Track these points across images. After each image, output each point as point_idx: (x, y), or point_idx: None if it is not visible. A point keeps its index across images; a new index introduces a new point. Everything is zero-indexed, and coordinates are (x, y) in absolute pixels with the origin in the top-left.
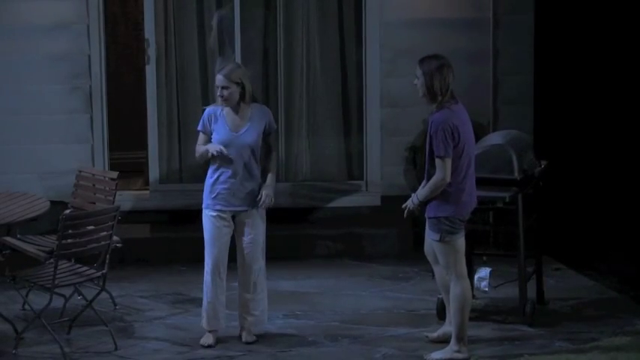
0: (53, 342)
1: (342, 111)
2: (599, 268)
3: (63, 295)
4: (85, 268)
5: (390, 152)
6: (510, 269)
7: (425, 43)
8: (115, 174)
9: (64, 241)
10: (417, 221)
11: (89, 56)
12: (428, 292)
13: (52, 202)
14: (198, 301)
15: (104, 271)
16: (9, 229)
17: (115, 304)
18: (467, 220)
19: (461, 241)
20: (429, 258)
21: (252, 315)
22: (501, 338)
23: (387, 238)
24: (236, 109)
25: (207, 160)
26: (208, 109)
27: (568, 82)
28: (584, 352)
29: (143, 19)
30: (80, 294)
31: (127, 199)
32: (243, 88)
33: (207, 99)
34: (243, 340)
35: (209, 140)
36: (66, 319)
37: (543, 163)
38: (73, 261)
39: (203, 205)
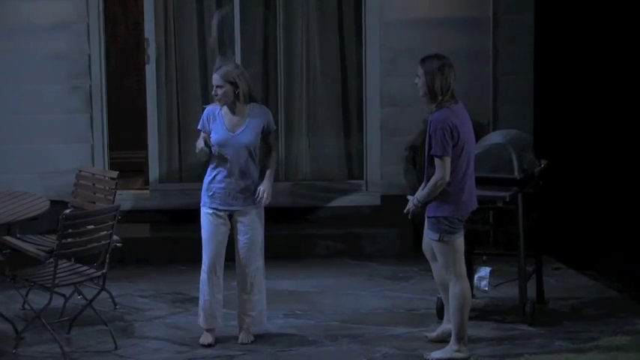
0: (53, 341)
1: (342, 111)
2: (599, 267)
3: (63, 295)
4: (85, 268)
5: (390, 152)
6: (510, 269)
7: (425, 42)
8: (115, 173)
9: (64, 241)
10: (416, 220)
11: (89, 56)
12: (428, 291)
13: (52, 202)
14: (197, 301)
15: (104, 271)
16: (9, 228)
17: (115, 304)
18: (466, 219)
19: (460, 241)
20: (427, 255)
21: (249, 316)
22: (501, 338)
23: (387, 238)
24: (233, 109)
25: (208, 159)
26: (208, 109)
27: (568, 82)
28: (584, 352)
29: (143, 18)
30: (80, 293)
31: (127, 198)
32: (237, 87)
33: (207, 98)
34: (239, 341)
35: (208, 139)
36: (66, 318)
37: (543, 162)
38: (73, 260)
39: (201, 203)
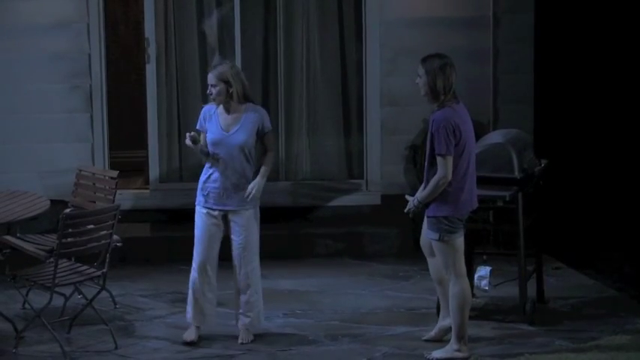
0: (53, 341)
1: (342, 110)
2: (599, 266)
3: (63, 294)
4: (85, 267)
5: (390, 151)
6: (510, 268)
7: (425, 42)
8: (115, 173)
9: (64, 240)
10: (416, 219)
11: (89, 55)
12: (428, 290)
13: (52, 201)
14: None
15: (104, 270)
16: (9, 228)
17: (115, 303)
18: (466, 219)
19: (460, 241)
20: (425, 250)
21: (247, 316)
22: (501, 337)
23: (387, 237)
24: (228, 109)
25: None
26: (205, 108)
27: (568, 81)
28: (585, 351)
29: (143, 18)
30: (80, 293)
31: (127, 198)
32: (231, 87)
33: (207, 98)
34: (240, 341)
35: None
36: (66, 318)
37: (543, 162)
38: (73, 260)
39: (196, 202)
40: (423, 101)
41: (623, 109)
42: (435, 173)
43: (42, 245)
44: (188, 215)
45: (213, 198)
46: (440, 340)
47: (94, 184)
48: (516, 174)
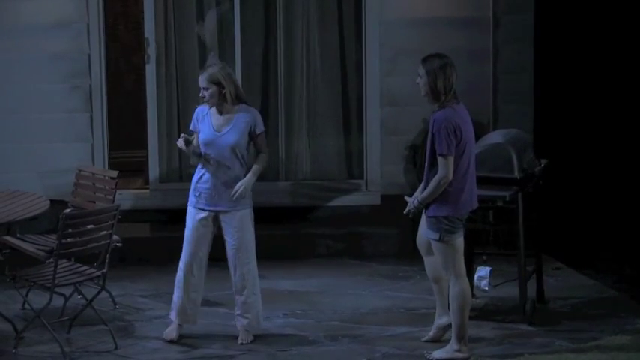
0: (53, 341)
1: (342, 110)
2: (599, 267)
3: (63, 295)
4: (85, 268)
5: (390, 151)
6: (510, 268)
7: (425, 42)
8: (115, 173)
9: (64, 241)
10: (416, 219)
11: (89, 55)
12: (427, 291)
13: (52, 202)
14: None
15: (104, 271)
16: (9, 228)
17: (115, 304)
18: (466, 219)
19: (460, 241)
20: (421, 249)
21: (244, 317)
22: (501, 337)
23: (387, 237)
24: (221, 110)
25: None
26: (198, 109)
27: (568, 81)
28: (585, 351)
29: (143, 18)
30: (80, 293)
31: (127, 198)
32: (224, 88)
33: None
34: (239, 341)
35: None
36: (66, 318)
37: (543, 162)
38: (73, 260)
39: (188, 203)
40: (423, 101)
41: (623, 109)
42: (435, 174)
43: (42, 245)
44: None
45: (205, 198)
46: (439, 339)
47: (93, 184)
48: (516, 174)
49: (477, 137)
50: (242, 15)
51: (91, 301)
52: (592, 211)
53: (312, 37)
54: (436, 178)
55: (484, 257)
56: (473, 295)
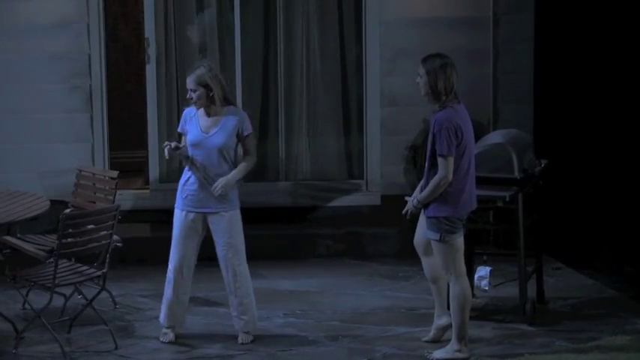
0: (53, 341)
1: (342, 110)
2: (599, 267)
3: (63, 295)
4: (85, 268)
5: (390, 151)
6: (510, 268)
7: (425, 42)
8: (115, 173)
9: (64, 241)
10: (415, 220)
11: (89, 55)
12: (427, 291)
13: (52, 202)
14: (197, 301)
15: (104, 271)
16: (9, 228)
17: (115, 304)
18: (467, 219)
19: (460, 241)
20: (419, 250)
21: (240, 319)
22: (502, 337)
23: (387, 238)
24: (208, 111)
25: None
26: (186, 111)
27: (568, 81)
28: (585, 352)
29: (143, 18)
30: (80, 293)
31: (127, 198)
32: (211, 90)
33: None
34: (239, 341)
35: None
36: (66, 318)
37: (543, 162)
38: (73, 260)
39: (175, 205)
40: (423, 101)
41: (623, 109)
42: (435, 174)
43: (42, 245)
44: None
45: (192, 200)
46: (439, 340)
47: (94, 184)
48: (516, 174)
49: (477, 137)
50: (242, 15)
51: (91, 301)
52: (592, 211)
53: (312, 37)
54: (436, 179)
55: (484, 257)
56: (473, 295)
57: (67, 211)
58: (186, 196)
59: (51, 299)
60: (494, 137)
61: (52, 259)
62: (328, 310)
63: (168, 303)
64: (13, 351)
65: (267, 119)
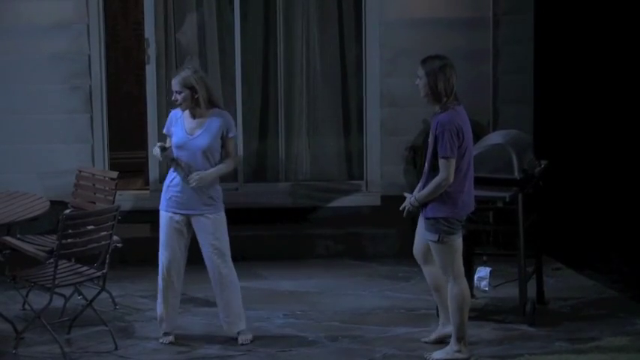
0: (53, 342)
1: (341, 110)
2: (599, 267)
3: (63, 295)
4: (85, 268)
5: (390, 152)
6: (510, 269)
7: (425, 42)
8: (114, 174)
9: (64, 241)
10: (414, 218)
11: (89, 56)
12: (427, 291)
13: (52, 202)
14: (198, 301)
15: (104, 271)
16: (9, 228)
17: (115, 304)
18: (466, 220)
19: (459, 242)
20: (418, 259)
21: (225, 322)
22: (501, 338)
23: (387, 238)
24: (194, 113)
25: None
26: (172, 112)
27: (568, 82)
28: (585, 352)
29: (143, 18)
30: (80, 294)
31: (127, 198)
32: (196, 92)
33: None
34: (239, 341)
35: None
36: (66, 318)
37: (543, 162)
38: (73, 261)
39: (159, 206)
40: (422, 102)
41: (623, 110)
42: (436, 176)
43: (42, 246)
44: None
45: (176, 201)
46: (441, 342)
47: (93, 185)
48: (516, 175)
49: (477, 138)
50: (242, 15)
51: (91, 301)
52: (592, 212)
53: (312, 37)
54: (437, 180)
55: (484, 258)
56: (473, 296)
57: (67, 211)
58: (170, 197)
59: (51, 300)
60: (494, 138)
61: (51, 260)
62: (328, 311)
63: (164, 311)
64: (13, 351)
65: (267, 119)
